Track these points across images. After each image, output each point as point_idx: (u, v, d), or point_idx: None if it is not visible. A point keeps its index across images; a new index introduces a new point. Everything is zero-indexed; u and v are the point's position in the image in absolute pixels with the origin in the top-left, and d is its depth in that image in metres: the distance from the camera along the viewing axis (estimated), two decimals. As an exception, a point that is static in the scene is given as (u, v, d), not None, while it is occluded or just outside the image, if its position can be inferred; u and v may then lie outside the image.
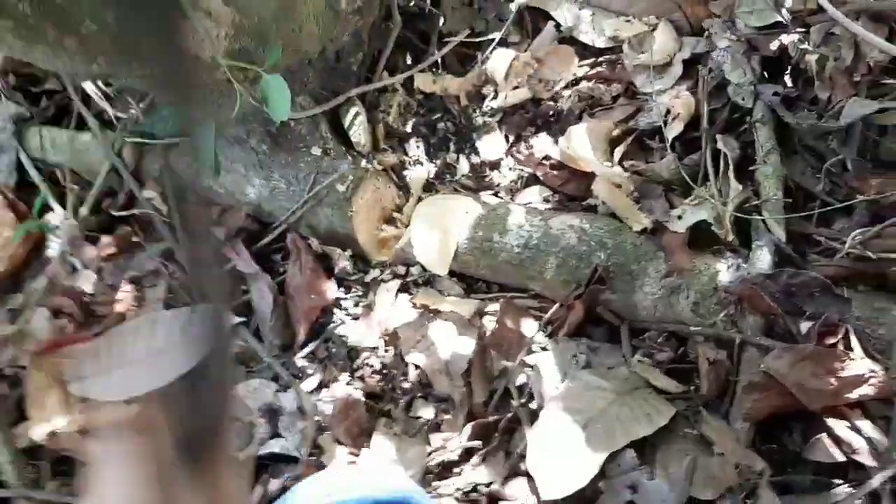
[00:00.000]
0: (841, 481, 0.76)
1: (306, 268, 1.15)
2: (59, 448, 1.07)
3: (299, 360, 1.09)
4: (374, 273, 1.16)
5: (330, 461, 0.99)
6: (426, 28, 1.34)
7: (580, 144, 1.14)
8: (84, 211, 1.28)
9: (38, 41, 0.90)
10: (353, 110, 1.23)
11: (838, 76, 1.05)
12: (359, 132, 1.22)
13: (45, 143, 1.38)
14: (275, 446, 1.02)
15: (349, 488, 0.76)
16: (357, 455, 1.00)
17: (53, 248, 1.29)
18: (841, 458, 0.77)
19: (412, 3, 1.34)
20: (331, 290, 1.15)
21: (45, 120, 1.44)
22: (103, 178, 1.29)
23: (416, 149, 1.24)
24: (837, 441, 0.77)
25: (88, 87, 1.38)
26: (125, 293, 1.19)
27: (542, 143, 1.19)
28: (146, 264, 1.21)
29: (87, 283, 1.22)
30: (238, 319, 1.10)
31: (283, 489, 0.99)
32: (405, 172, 1.22)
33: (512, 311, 1.06)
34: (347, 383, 1.06)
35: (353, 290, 1.15)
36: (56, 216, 1.31)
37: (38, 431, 1.07)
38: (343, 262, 1.17)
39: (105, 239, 1.25)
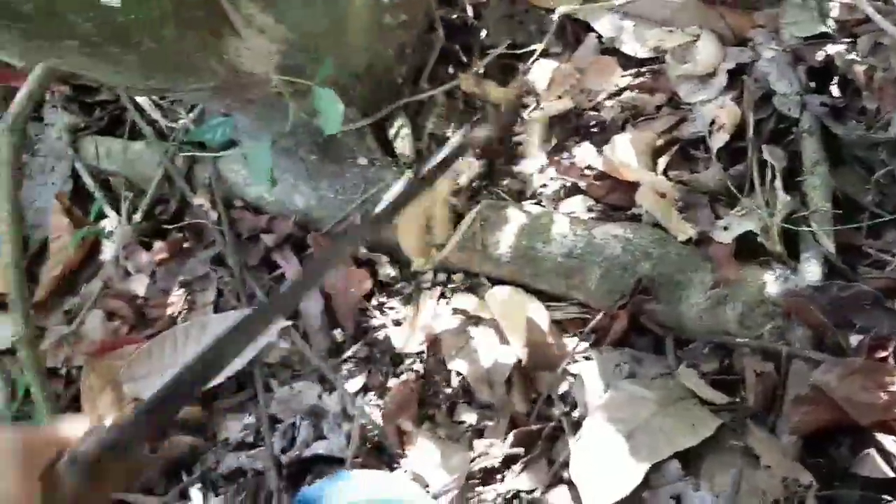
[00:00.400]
0: (890, 498, 0.75)
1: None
2: (111, 447, 1.10)
3: (344, 365, 1.12)
4: (417, 279, 1.18)
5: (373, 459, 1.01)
6: (469, 40, 1.36)
7: (624, 154, 1.15)
8: (137, 217, 1.33)
9: (101, 59, 0.94)
10: (398, 122, 1.26)
11: (887, 86, 1.04)
12: (403, 143, 1.25)
13: (99, 152, 1.43)
14: (319, 448, 1.04)
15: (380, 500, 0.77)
16: (402, 456, 1.01)
17: (108, 252, 1.33)
18: (890, 473, 0.76)
19: (455, 16, 1.36)
20: (366, 281, 1.16)
21: (99, 129, 1.49)
22: (156, 185, 1.34)
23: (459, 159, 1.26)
24: (887, 456, 0.76)
25: (141, 98, 1.43)
26: (176, 297, 1.23)
27: (584, 153, 1.20)
28: (197, 269, 1.24)
29: (140, 286, 1.27)
30: (287, 322, 1.13)
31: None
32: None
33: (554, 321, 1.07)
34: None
35: (397, 295, 1.17)
36: (110, 222, 1.36)
37: (91, 430, 1.11)
38: (387, 268, 1.19)
39: (158, 244, 1.29)
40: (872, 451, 0.78)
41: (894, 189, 0.98)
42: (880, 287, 0.87)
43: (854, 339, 0.84)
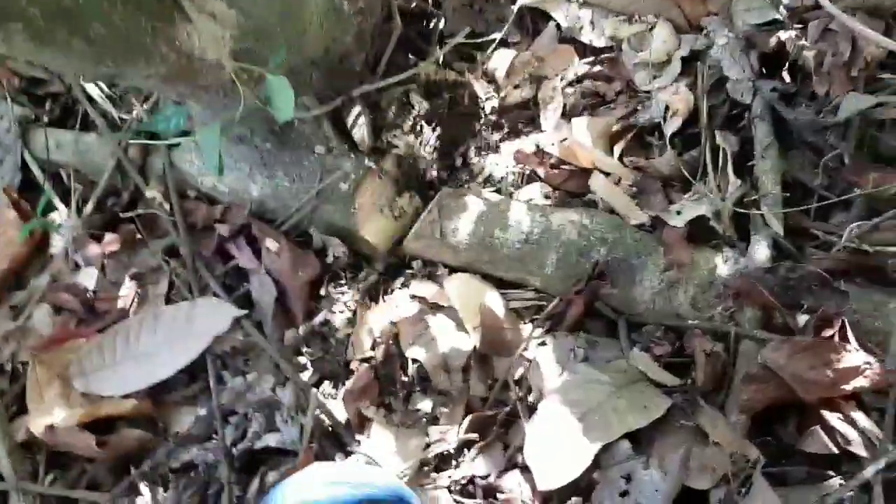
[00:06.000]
0: (834, 473, 0.76)
1: (282, 248, 1.14)
2: (56, 442, 1.07)
3: (299, 356, 1.10)
4: (374, 267, 1.16)
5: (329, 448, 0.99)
6: (427, 28, 1.35)
7: (581, 138, 1.15)
8: (88, 209, 1.29)
9: (48, 44, 0.91)
10: (355, 110, 1.24)
11: (836, 71, 1.05)
12: (361, 131, 1.23)
13: (49, 144, 1.39)
14: (271, 440, 1.02)
15: (340, 483, 0.76)
16: (357, 443, 1.00)
17: (57, 246, 1.30)
18: (835, 449, 0.76)
19: (413, 5, 1.35)
20: (314, 264, 1.14)
21: (49, 121, 1.45)
22: (108, 177, 1.31)
23: (418, 147, 1.25)
24: (832, 433, 0.77)
25: (92, 89, 1.40)
26: (127, 289, 1.20)
27: (542, 141, 1.20)
28: (149, 261, 1.22)
29: (89, 279, 1.23)
30: (241, 312, 1.10)
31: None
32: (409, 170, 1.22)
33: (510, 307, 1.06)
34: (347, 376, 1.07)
35: (352, 283, 1.16)
36: (60, 215, 1.33)
37: (36, 425, 1.08)
38: (340, 252, 1.17)
39: (108, 236, 1.26)
40: (818, 429, 0.79)
41: (842, 172, 0.99)
42: (827, 268, 0.88)
43: (801, 319, 0.85)
